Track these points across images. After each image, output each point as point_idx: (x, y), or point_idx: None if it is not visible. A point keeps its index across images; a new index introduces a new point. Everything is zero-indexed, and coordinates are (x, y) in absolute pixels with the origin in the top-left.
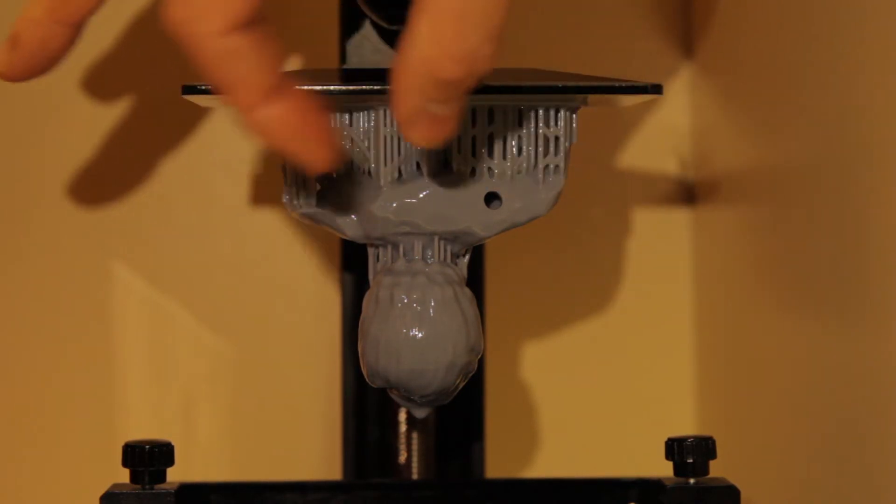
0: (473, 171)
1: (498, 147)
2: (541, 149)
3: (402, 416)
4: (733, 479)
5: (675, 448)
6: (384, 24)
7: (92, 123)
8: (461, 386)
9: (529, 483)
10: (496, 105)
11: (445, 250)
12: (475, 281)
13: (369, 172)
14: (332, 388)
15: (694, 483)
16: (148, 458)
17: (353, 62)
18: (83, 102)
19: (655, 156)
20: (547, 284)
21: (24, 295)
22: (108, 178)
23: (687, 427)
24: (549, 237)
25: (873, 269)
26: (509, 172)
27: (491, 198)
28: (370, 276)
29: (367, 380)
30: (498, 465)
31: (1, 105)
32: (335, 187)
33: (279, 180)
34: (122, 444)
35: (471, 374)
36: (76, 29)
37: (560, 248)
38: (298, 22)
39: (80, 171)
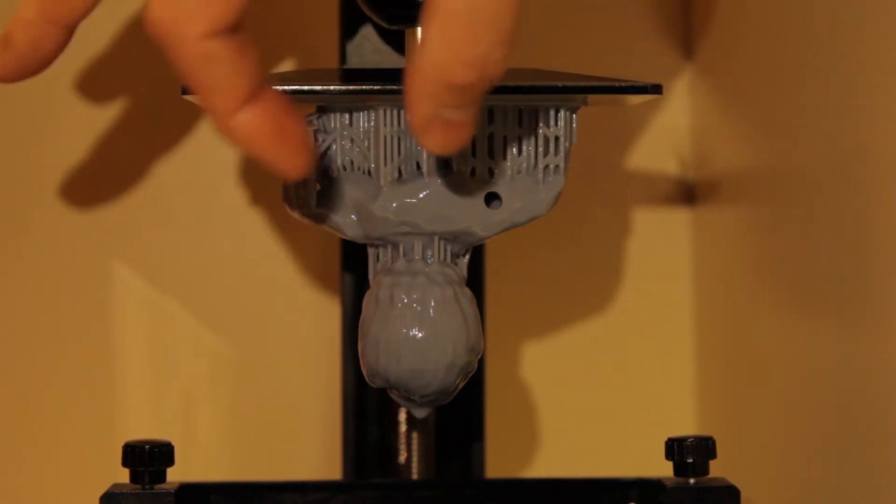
0: (473, 171)
1: (498, 147)
2: (541, 149)
3: (402, 416)
4: (733, 479)
5: (675, 448)
6: (384, 24)
7: (92, 123)
8: (461, 386)
9: (529, 483)
10: (496, 105)
11: (445, 250)
12: (475, 281)
13: (369, 172)
14: (332, 388)
15: (694, 483)
16: (148, 458)
17: (353, 62)
18: (83, 102)
19: (655, 156)
20: (547, 284)
21: (24, 295)
22: (108, 178)
23: (687, 427)
24: (549, 237)
25: (873, 269)
26: (509, 172)
27: (491, 198)
28: (370, 276)
29: (367, 380)
30: (498, 465)
31: (1, 105)
32: (335, 187)
33: (279, 180)
34: (122, 444)
35: (471, 374)
36: (68, 30)
37: (560, 248)
38: (298, 22)
39: (80, 170)
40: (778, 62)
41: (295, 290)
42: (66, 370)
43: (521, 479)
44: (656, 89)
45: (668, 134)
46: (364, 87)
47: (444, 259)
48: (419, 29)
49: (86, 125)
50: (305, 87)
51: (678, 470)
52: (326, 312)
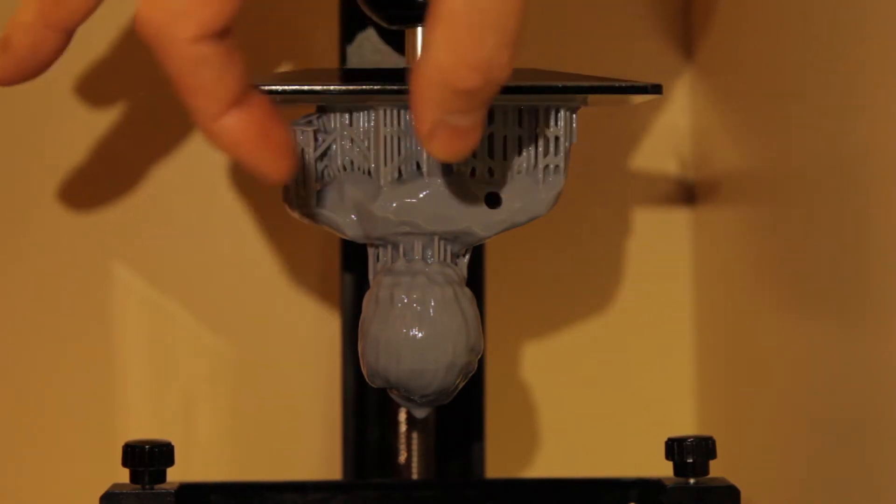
0: (473, 171)
1: (498, 147)
2: (541, 149)
3: (402, 416)
4: (733, 479)
5: (675, 448)
6: (384, 25)
7: (91, 123)
8: (461, 386)
9: (529, 483)
10: (496, 105)
11: (445, 250)
12: (475, 281)
13: (369, 172)
14: (332, 388)
15: (694, 483)
16: (148, 458)
17: (353, 62)
18: (83, 104)
19: (655, 156)
20: (547, 284)
21: (24, 295)
22: (107, 179)
23: (687, 427)
24: (549, 237)
25: (873, 269)
26: (509, 172)
27: (491, 198)
28: (370, 276)
29: (367, 380)
30: (498, 465)
31: (1, 106)
32: (335, 187)
33: None
34: (122, 444)
35: (471, 374)
36: (67, 34)
37: (560, 248)
38: (298, 22)
39: (79, 171)
40: (778, 62)
41: (295, 290)
42: (66, 370)
43: (521, 479)
44: (656, 89)
45: (668, 134)
46: (364, 87)
47: (444, 259)
48: (419, 29)
49: (85, 126)
50: (305, 87)
51: (678, 470)
52: (326, 312)
